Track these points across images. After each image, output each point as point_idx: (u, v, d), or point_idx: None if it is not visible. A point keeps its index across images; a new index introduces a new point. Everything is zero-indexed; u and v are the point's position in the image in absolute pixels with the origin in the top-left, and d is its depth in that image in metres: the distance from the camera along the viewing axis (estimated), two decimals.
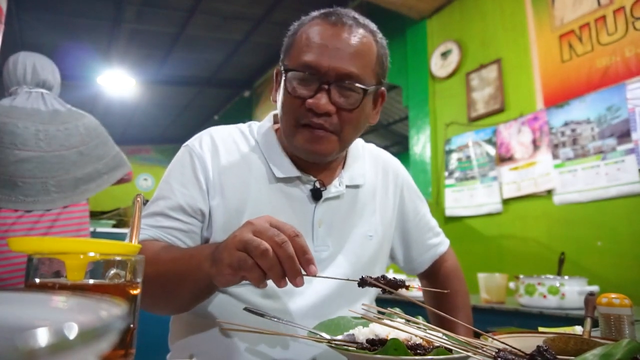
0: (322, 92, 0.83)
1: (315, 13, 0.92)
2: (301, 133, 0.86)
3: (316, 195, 0.94)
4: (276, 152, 0.95)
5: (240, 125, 1.02)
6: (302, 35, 0.88)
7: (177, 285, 0.78)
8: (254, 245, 0.63)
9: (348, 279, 0.69)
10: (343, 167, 1.00)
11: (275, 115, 1.01)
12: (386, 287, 0.65)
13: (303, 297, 0.89)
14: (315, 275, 0.65)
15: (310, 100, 0.83)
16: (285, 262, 0.63)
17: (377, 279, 0.65)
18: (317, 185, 0.94)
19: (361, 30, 0.88)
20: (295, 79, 0.85)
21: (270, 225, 0.65)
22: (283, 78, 0.88)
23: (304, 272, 0.65)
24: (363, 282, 0.66)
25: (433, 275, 1.16)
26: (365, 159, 1.07)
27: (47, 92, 2.00)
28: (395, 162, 1.14)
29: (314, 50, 0.84)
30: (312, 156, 0.90)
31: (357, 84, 0.85)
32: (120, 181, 2.13)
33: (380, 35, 0.92)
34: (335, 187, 0.96)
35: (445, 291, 0.94)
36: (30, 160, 1.83)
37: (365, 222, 1.00)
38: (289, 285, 0.88)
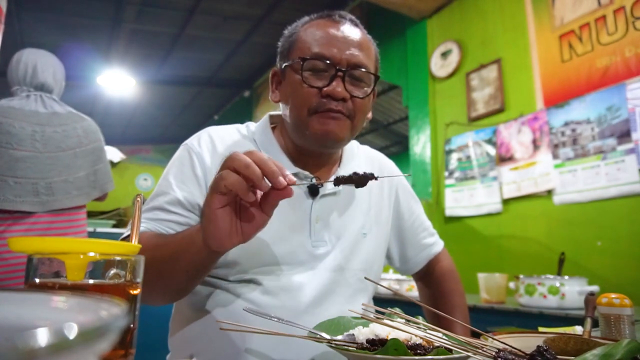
0: (337, 80, 0.87)
1: (310, 17, 0.97)
2: (316, 119, 0.88)
3: (313, 191, 0.95)
4: (274, 149, 0.97)
5: (238, 125, 1.04)
6: (305, 32, 0.92)
7: (173, 267, 0.77)
8: (228, 160, 0.65)
9: (322, 182, 0.79)
10: (339, 165, 1.02)
11: (272, 116, 1.03)
12: (357, 182, 0.70)
13: (302, 294, 0.89)
14: (294, 184, 0.65)
15: (327, 88, 0.87)
16: (262, 164, 0.64)
17: (347, 176, 0.71)
18: (314, 181, 0.96)
19: (360, 29, 0.95)
20: (307, 70, 0.88)
21: None
22: (290, 71, 0.91)
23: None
24: (337, 181, 0.72)
25: (428, 275, 1.17)
26: (361, 158, 1.09)
27: (47, 94, 1.99)
28: (389, 163, 1.16)
29: (325, 42, 0.89)
30: (326, 142, 0.90)
31: (368, 72, 0.90)
32: (99, 198, 2.10)
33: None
34: (331, 184, 0.97)
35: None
36: (24, 160, 1.83)
37: (360, 219, 1.01)
38: (287, 282, 0.89)
